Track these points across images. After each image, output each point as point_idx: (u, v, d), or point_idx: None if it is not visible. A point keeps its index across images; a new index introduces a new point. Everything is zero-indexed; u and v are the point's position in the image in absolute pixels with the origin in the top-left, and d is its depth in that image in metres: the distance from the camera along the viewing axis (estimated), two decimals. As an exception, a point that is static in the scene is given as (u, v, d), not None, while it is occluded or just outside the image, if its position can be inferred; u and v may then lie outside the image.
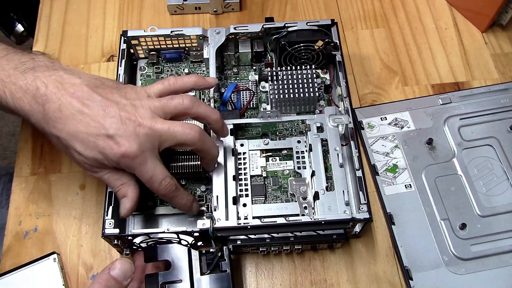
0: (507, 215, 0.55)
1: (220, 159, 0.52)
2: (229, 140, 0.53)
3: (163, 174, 0.46)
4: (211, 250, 0.48)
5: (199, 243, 0.53)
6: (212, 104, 0.55)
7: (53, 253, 0.54)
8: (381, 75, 0.66)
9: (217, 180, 0.51)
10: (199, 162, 0.51)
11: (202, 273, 0.46)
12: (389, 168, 0.58)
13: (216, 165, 0.51)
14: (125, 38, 0.59)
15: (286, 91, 0.57)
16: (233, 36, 0.60)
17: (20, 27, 0.90)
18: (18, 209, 0.57)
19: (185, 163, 0.52)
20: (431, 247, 0.54)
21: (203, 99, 0.60)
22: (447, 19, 0.70)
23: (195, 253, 0.46)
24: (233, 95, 0.59)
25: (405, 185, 0.57)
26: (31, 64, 0.45)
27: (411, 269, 0.52)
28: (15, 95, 0.44)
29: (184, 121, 0.48)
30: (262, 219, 0.48)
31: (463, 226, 0.54)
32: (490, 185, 0.57)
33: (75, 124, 0.43)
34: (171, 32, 0.59)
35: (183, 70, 0.63)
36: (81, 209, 0.57)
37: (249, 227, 0.48)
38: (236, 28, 0.59)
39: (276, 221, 0.48)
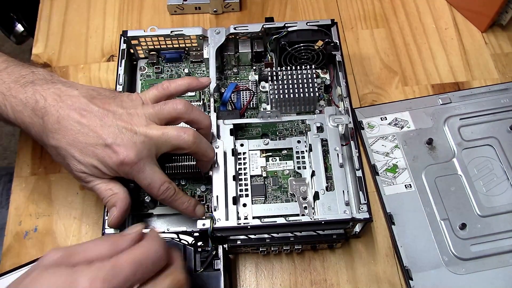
0: (507, 215, 0.55)
1: (220, 159, 0.52)
2: (229, 140, 0.53)
3: (161, 180, 0.46)
4: (206, 248, 0.48)
5: (199, 243, 0.53)
6: (212, 104, 0.55)
7: (53, 253, 0.54)
8: (381, 75, 0.66)
9: (217, 180, 0.51)
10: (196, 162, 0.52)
11: (195, 271, 0.46)
12: (389, 168, 0.58)
13: (216, 165, 0.51)
14: (125, 38, 0.59)
15: (286, 91, 0.57)
16: (233, 36, 0.60)
17: (20, 27, 0.90)
18: (18, 209, 0.57)
19: (184, 163, 0.52)
20: (431, 247, 0.54)
21: (203, 99, 0.60)
22: (447, 19, 0.70)
23: (189, 251, 0.47)
24: (233, 95, 0.59)
25: (405, 185, 0.57)
26: (31, 77, 0.47)
27: (411, 269, 0.52)
28: (16, 108, 0.45)
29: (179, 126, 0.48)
30: (262, 219, 0.48)
31: (463, 226, 0.54)
32: (490, 185, 0.57)
33: (73, 134, 0.44)
34: (171, 32, 0.59)
35: (183, 70, 0.63)
36: (81, 209, 0.57)
37: (249, 227, 0.48)
38: (236, 28, 0.59)
39: (276, 221, 0.48)
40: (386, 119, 0.62)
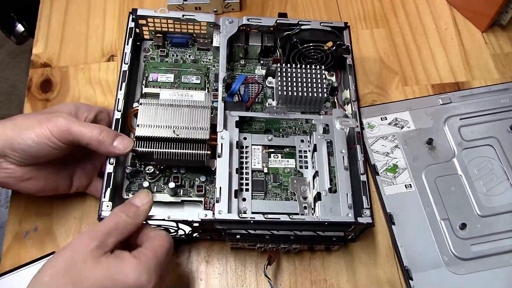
0: (507, 215, 0.55)
1: (225, 150, 0.50)
2: (234, 132, 0.53)
3: None
4: None
5: (195, 234, 0.52)
6: (220, 94, 0.53)
7: (53, 253, 0.53)
8: (381, 75, 0.66)
9: (221, 172, 0.50)
10: (202, 151, 0.50)
11: None
12: (389, 168, 0.58)
13: (221, 156, 0.50)
14: (133, 17, 0.58)
15: (292, 89, 0.56)
16: (244, 27, 0.59)
17: (20, 27, 0.90)
18: (18, 209, 0.57)
19: (188, 151, 0.50)
20: (431, 247, 0.54)
21: (208, 88, 0.59)
22: (447, 19, 0.70)
23: None
24: (241, 87, 0.58)
25: (405, 185, 0.57)
26: None
27: (411, 269, 0.52)
28: None
29: None
30: (265, 215, 0.47)
31: (463, 226, 0.54)
32: (490, 185, 0.57)
33: None
34: (183, 16, 0.58)
35: (189, 56, 0.62)
36: (81, 209, 0.57)
37: (252, 221, 0.47)
38: (250, 20, 0.58)
39: (279, 218, 0.47)
40: (386, 119, 0.62)
